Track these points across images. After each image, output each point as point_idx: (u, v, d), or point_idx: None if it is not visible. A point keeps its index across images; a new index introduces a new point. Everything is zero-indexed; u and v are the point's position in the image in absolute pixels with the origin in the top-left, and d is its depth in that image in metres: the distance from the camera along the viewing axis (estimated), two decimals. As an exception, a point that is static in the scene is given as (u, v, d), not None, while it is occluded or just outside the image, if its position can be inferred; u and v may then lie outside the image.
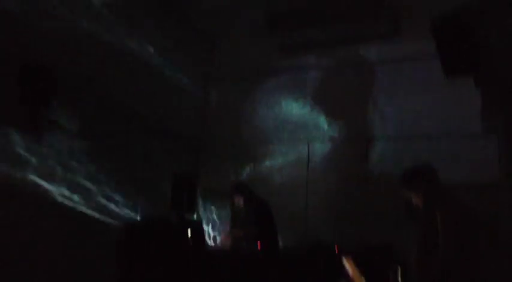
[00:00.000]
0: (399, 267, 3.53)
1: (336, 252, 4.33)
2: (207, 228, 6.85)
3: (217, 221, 7.61)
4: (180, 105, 8.02)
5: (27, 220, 5.08)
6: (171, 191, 6.11)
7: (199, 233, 5.29)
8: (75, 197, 5.82)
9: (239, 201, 5.99)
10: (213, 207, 7.85)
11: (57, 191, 5.58)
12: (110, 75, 6.42)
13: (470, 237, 3.37)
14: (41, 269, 5.09)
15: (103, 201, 6.19)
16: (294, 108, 8.17)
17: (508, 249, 5.61)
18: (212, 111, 8.75)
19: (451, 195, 3.63)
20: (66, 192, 5.71)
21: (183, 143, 8.11)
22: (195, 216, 6.35)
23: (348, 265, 3.89)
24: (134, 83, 6.91)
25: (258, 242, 5.18)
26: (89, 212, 5.95)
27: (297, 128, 8.09)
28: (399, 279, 3.50)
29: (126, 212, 6.30)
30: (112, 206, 6.25)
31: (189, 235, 5.23)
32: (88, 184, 5.99)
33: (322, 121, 7.92)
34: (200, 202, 7.01)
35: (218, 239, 6.09)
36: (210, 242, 5.97)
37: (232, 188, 6.10)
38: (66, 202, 5.69)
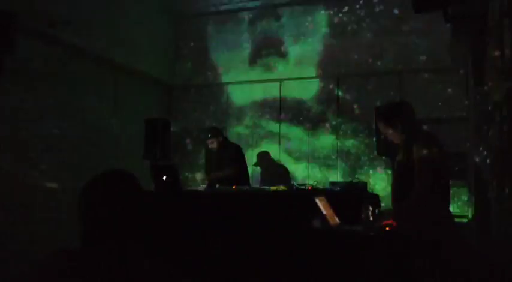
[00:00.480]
0: (371, 206, 3.62)
1: (309, 192, 4.41)
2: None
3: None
4: (151, 48, 7.86)
5: None
6: (144, 138, 6.06)
7: (175, 176, 5.34)
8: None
9: (213, 144, 6.06)
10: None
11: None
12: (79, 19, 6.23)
13: (443, 169, 3.49)
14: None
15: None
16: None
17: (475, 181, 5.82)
18: (181, 53, 8.59)
19: (424, 130, 3.71)
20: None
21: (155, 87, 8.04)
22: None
23: (321, 204, 3.97)
24: (99, 25, 6.71)
25: (233, 185, 5.26)
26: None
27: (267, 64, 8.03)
28: (370, 217, 3.60)
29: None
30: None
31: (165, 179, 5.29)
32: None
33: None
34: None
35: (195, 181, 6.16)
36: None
37: (206, 132, 6.16)
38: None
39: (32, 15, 5.54)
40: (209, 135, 6.12)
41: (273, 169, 7.23)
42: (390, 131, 3.68)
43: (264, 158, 7.22)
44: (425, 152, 3.43)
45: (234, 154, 6.06)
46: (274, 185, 4.71)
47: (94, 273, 1.53)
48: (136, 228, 1.66)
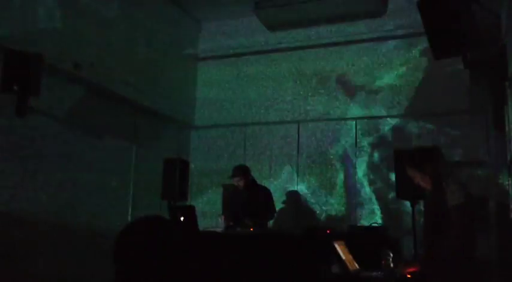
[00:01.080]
0: (391, 252, 3.57)
1: (328, 236, 4.37)
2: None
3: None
4: (169, 87, 7.99)
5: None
6: (163, 178, 6.11)
7: (192, 218, 5.34)
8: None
9: (240, 182, 6.00)
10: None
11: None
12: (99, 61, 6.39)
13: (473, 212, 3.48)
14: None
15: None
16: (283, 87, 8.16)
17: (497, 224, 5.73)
18: (200, 93, 8.71)
19: (455, 175, 3.71)
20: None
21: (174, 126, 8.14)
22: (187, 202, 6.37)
23: (340, 249, 3.93)
24: (122, 67, 6.86)
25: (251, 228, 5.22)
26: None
27: (286, 108, 8.08)
28: (391, 263, 3.55)
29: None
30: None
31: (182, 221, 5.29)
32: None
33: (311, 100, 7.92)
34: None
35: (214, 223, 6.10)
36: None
37: (233, 170, 6.09)
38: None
39: (57, 56, 5.69)
40: (236, 173, 6.04)
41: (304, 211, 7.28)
42: (419, 176, 3.67)
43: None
44: (462, 198, 3.40)
45: (269, 198, 6.01)
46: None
47: None
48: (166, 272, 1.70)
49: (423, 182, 3.67)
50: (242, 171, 6.04)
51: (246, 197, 5.98)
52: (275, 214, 6.04)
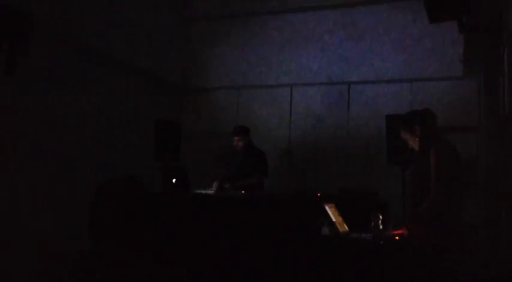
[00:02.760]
0: (380, 214, 3.61)
1: (319, 199, 4.41)
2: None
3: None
4: (161, 49, 7.91)
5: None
6: (155, 139, 6.10)
7: (184, 178, 5.37)
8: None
9: (240, 142, 6.02)
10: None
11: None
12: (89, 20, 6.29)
13: (457, 173, 3.51)
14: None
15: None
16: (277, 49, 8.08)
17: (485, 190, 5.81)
18: (193, 56, 8.62)
19: (443, 138, 3.74)
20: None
21: (166, 88, 8.09)
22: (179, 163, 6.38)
23: (330, 211, 3.97)
24: (113, 28, 6.76)
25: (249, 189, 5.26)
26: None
27: (279, 70, 8.03)
28: (380, 225, 3.60)
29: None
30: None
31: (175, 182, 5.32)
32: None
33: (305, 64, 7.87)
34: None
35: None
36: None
37: (235, 129, 6.10)
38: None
39: (47, 16, 5.59)
40: (237, 132, 6.05)
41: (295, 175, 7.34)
42: (410, 138, 3.71)
43: None
44: (443, 158, 3.45)
45: (263, 162, 6.01)
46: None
47: (99, 270, 1.59)
48: (139, 228, 1.74)
49: (413, 144, 3.72)
50: (244, 131, 6.07)
51: (242, 158, 6.01)
52: (266, 177, 6.05)
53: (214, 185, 5.67)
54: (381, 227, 3.59)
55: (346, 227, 3.96)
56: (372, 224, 3.63)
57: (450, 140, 3.68)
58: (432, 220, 3.44)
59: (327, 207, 3.96)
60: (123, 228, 1.52)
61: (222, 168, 6.23)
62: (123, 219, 1.52)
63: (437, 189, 3.40)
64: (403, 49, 7.17)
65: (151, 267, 1.55)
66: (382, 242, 3.58)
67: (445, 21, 4.29)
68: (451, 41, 6.42)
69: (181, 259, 4.00)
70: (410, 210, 3.75)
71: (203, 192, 5.45)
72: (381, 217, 3.67)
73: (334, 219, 3.91)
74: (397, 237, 3.60)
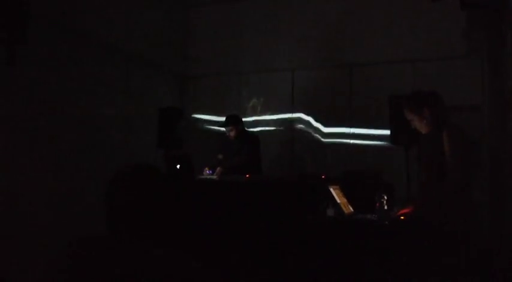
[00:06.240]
0: (385, 195, 3.61)
1: (323, 181, 4.41)
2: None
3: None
4: (161, 37, 7.86)
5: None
6: (158, 127, 6.09)
7: (188, 165, 5.38)
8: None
9: (232, 132, 6.01)
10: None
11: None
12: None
13: (470, 155, 3.52)
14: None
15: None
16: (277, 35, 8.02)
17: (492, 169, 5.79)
18: (193, 43, 8.57)
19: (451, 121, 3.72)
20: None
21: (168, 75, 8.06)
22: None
23: (335, 193, 3.98)
24: (113, 15, 6.72)
25: (247, 174, 5.26)
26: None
27: (280, 55, 7.98)
28: (385, 206, 3.60)
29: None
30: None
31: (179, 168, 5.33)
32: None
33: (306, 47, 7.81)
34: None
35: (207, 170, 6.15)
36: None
37: (226, 120, 6.08)
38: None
39: (45, 4, 5.55)
40: (229, 123, 6.04)
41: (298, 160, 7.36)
42: (418, 119, 3.68)
43: None
44: (459, 141, 3.44)
45: (251, 143, 6.00)
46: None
47: (114, 259, 1.59)
48: (154, 217, 1.74)
49: (420, 126, 3.68)
50: (234, 120, 6.05)
51: (236, 146, 6.01)
52: (252, 159, 5.99)
53: (217, 170, 5.71)
54: (385, 207, 3.60)
55: (351, 208, 3.97)
56: (377, 204, 3.63)
57: (458, 123, 3.66)
58: (448, 200, 3.43)
59: (331, 189, 3.97)
60: (145, 217, 1.55)
61: (221, 156, 6.24)
62: (145, 207, 1.55)
63: (459, 171, 3.38)
64: (404, 29, 7.10)
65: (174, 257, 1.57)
66: (387, 223, 3.58)
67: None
68: (453, 20, 6.34)
69: (188, 244, 4.02)
70: (426, 192, 3.71)
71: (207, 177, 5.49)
72: (385, 198, 3.67)
73: (338, 201, 3.92)
74: (402, 217, 3.61)
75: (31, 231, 5.01)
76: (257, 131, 6.61)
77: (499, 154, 5.53)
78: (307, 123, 7.67)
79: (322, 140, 7.55)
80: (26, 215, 5.08)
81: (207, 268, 1.69)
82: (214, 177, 5.65)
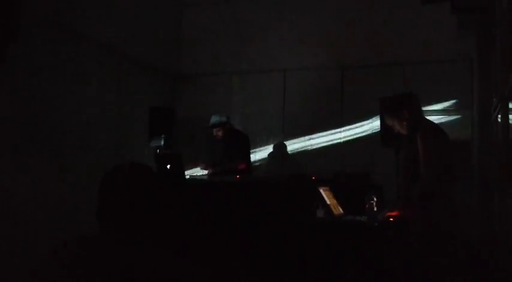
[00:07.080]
0: (374, 196, 3.63)
1: (313, 182, 4.43)
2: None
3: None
4: (153, 36, 7.83)
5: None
6: (148, 126, 6.07)
7: (178, 165, 5.36)
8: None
9: (219, 132, 6.00)
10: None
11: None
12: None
13: (446, 157, 3.51)
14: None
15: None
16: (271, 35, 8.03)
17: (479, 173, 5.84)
18: (185, 42, 8.56)
19: (430, 121, 3.74)
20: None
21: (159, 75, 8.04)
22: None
23: (325, 194, 3.99)
24: (105, 14, 6.69)
25: (237, 175, 5.26)
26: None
27: (272, 56, 7.98)
28: (374, 207, 3.62)
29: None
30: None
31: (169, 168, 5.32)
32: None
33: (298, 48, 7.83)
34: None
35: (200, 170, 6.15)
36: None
37: (212, 119, 6.06)
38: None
39: (38, 2, 5.52)
40: (215, 123, 6.00)
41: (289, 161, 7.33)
42: (397, 122, 3.68)
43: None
44: (431, 142, 3.45)
45: (244, 145, 5.99)
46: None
47: (105, 258, 1.60)
48: (146, 216, 1.75)
49: (401, 128, 3.67)
50: (220, 121, 6.01)
51: (224, 145, 5.99)
52: (245, 161, 6.00)
53: (208, 171, 5.72)
54: (375, 209, 3.61)
55: (340, 209, 3.98)
56: (367, 206, 3.65)
57: (436, 123, 3.68)
58: (424, 202, 3.45)
59: (321, 190, 3.98)
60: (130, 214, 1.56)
61: (210, 155, 6.24)
62: (136, 205, 1.56)
63: (426, 174, 3.39)
64: (395, 32, 7.14)
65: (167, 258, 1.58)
66: (376, 224, 3.60)
67: (437, 2, 4.27)
68: (443, 23, 6.38)
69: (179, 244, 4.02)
70: (403, 194, 3.76)
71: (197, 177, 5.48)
72: (375, 199, 3.69)
73: (328, 202, 3.94)
74: (391, 219, 3.63)
75: (23, 231, 4.98)
76: (247, 131, 6.57)
77: (487, 156, 5.58)
78: (298, 124, 7.68)
79: (313, 141, 7.57)
80: (18, 215, 5.05)
81: (196, 267, 1.70)
82: (205, 177, 5.65)
